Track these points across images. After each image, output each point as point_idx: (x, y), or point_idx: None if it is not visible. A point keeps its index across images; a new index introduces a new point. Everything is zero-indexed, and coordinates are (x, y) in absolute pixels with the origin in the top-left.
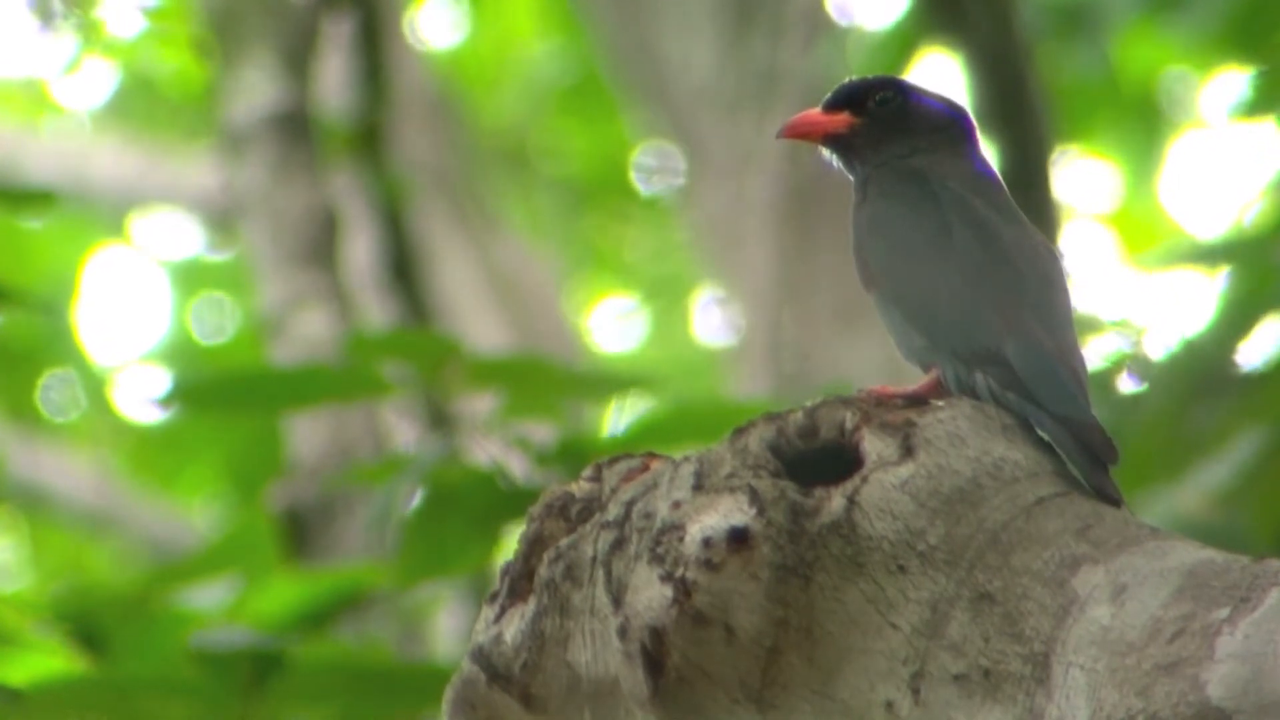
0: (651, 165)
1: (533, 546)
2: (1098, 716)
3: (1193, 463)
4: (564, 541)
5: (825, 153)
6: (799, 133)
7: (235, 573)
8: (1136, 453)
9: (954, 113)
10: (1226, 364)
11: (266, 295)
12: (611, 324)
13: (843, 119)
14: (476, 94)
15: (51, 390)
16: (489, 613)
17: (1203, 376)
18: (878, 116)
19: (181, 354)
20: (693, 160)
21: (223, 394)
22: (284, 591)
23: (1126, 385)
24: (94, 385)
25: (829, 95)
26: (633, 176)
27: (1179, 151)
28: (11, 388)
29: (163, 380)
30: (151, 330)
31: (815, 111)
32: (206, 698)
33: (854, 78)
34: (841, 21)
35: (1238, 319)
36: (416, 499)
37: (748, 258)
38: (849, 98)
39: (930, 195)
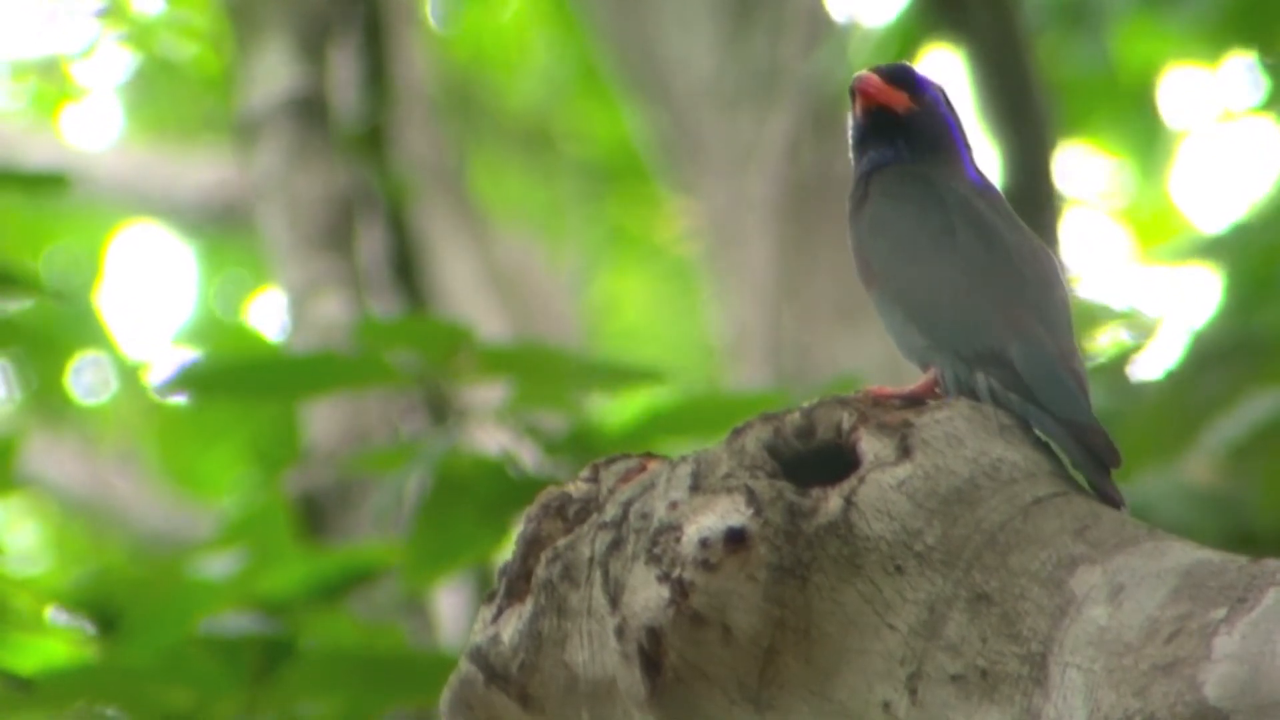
0: None
1: (530, 547)
2: (1095, 717)
3: (1200, 433)
4: (561, 542)
5: (850, 123)
6: (867, 89)
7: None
8: (1144, 427)
9: (963, 140)
10: (1234, 337)
11: (283, 280)
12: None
13: (903, 98)
14: (498, 78)
15: (81, 374)
16: (486, 613)
17: (1209, 351)
18: (928, 113)
19: (208, 332)
20: (693, 158)
21: (233, 380)
22: (295, 567)
23: (1136, 374)
24: (121, 367)
25: (890, 67)
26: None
27: (1186, 146)
28: (38, 372)
29: (173, 365)
30: (177, 309)
31: (879, 79)
32: (215, 684)
33: (907, 63)
34: (842, 19)
35: (1244, 296)
36: (426, 487)
37: (748, 255)
38: (910, 83)
39: (934, 196)
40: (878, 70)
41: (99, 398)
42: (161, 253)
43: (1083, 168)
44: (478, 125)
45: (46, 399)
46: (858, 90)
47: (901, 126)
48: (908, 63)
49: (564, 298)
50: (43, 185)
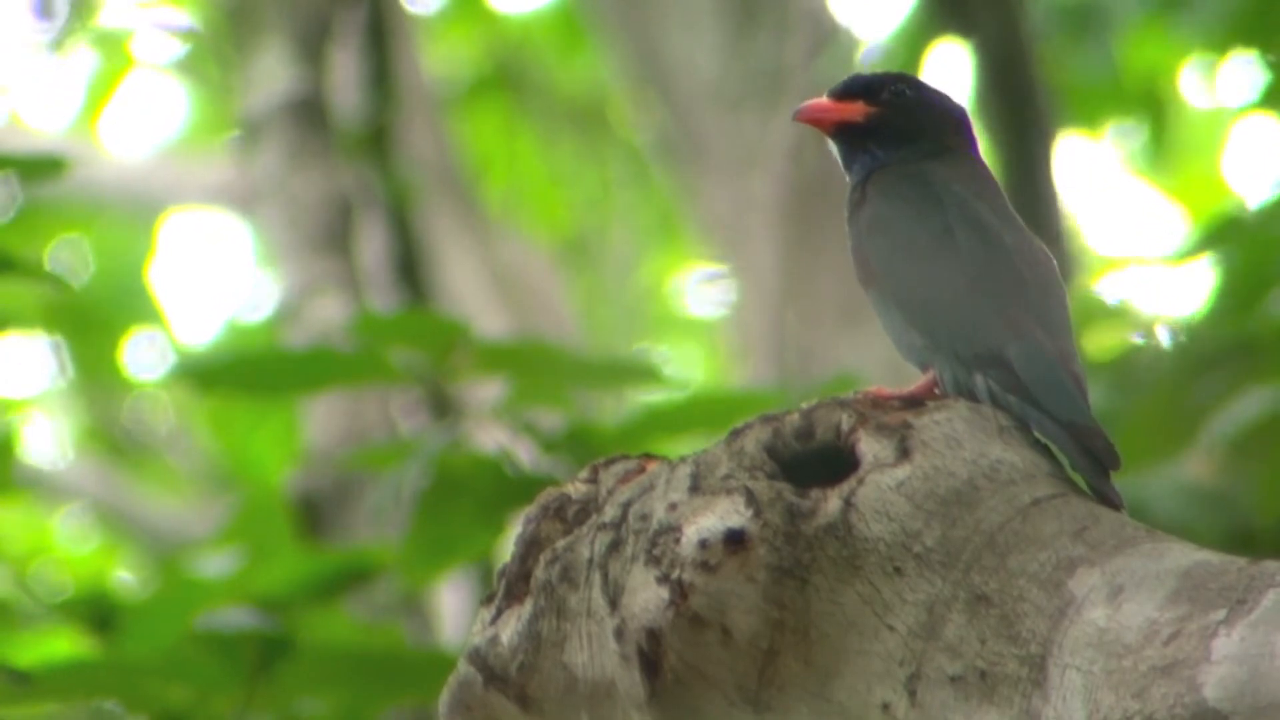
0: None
1: (529, 548)
2: (1094, 718)
3: (1199, 432)
4: (560, 543)
5: (831, 144)
6: (812, 118)
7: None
8: (1144, 427)
9: (958, 115)
10: (1230, 336)
11: (282, 281)
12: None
13: (857, 107)
14: (552, 58)
15: (137, 350)
16: (485, 614)
17: (1207, 349)
18: (894, 107)
19: (259, 309)
20: (697, 158)
21: (231, 375)
22: (292, 565)
23: (1136, 373)
24: (174, 346)
25: (839, 85)
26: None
27: (1232, 134)
28: (91, 350)
29: (176, 357)
30: (235, 288)
31: (827, 100)
32: (213, 680)
33: (863, 71)
34: (846, 21)
35: (1240, 292)
36: (423, 484)
37: (751, 255)
38: (863, 88)
39: (932, 196)
40: (826, 94)
41: (151, 374)
42: (219, 233)
43: (1115, 155)
44: (529, 105)
45: (97, 378)
46: (806, 122)
47: (870, 132)
48: (855, 73)
49: (565, 298)
50: (38, 168)
